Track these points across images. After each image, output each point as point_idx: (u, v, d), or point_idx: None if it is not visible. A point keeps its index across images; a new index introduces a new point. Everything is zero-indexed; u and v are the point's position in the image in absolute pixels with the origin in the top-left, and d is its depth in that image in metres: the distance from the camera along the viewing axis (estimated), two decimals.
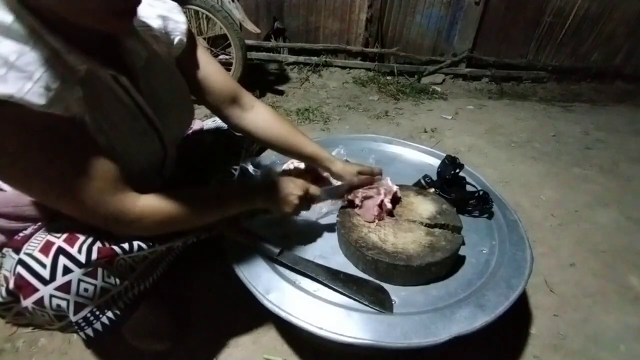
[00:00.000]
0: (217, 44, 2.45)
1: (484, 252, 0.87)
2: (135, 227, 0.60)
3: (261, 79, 2.79)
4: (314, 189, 0.81)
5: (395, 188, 0.91)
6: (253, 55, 2.94)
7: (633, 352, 0.99)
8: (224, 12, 2.09)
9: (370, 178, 0.92)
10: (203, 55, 0.79)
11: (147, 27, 0.67)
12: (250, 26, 2.23)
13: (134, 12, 0.52)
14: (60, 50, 0.49)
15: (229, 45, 2.20)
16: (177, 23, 0.72)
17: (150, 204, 0.60)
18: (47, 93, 0.46)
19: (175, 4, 0.73)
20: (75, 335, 0.92)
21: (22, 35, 0.45)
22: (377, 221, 0.86)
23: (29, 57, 0.45)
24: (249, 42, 2.76)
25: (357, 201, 0.88)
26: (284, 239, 0.87)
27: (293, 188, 0.77)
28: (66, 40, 0.50)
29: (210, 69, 0.79)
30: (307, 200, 0.80)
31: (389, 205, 0.87)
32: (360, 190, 0.89)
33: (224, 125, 1.01)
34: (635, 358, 0.98)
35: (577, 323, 1.05)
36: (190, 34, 0.75)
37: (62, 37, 0.49)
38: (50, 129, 0.48)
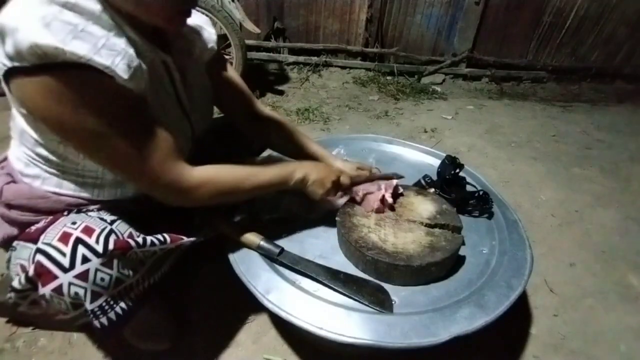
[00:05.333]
0: (217, 44, 2.45)
1: (484, 252, 0.87)
2: (192, 196, 0.66)
3: (261, 79, 2.79)
4: (345, 177, 0.86)
5: (395, 182, 0.92)
6: (253, 55, 2.94)
7: (633, 352, 0.99)
8: (224, 12, 2.08)
9: (372, 175, 0.96)
10: (225, 64, 0.90)
11: (191, 33, 0.78)
12: (250, 26, 2.23)
13: (190, 13, 0.63)
14: (134, 38, 0.59)
15: (229, 45, 2.20)
16: (210, 33, 0.82)
17: (206, 174, 0.68)
18: (128, 69, 0.55)
19: (207, 18, 0.85)
20: (75, 335, 0.92)
21: (107, 23, 0.54)
22: (376, 216, 0.87)
23: (114, 40, 0.54)
24: (249, 42, 2.75)
25: (358, 198, 0.90)
26: (284, 239, 0.87)
27: (330, 173, 0.83)
28: (137, 31, 0.59)
29: (231, 76, 0.90)
30: (336, 188, 0.85)
31: (390, 200, 0.88)
32: (361, 187, 0.91)
33: (224, 125, 1.02)
34: (635, 358, 0.98)
35: (577, 323, 1.05)
36: (218, 44, 0.84)
37: (134, 29, 0.59)
38: (128, 99, 0.57)
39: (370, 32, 2.89)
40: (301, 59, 2.98)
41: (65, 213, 0.67)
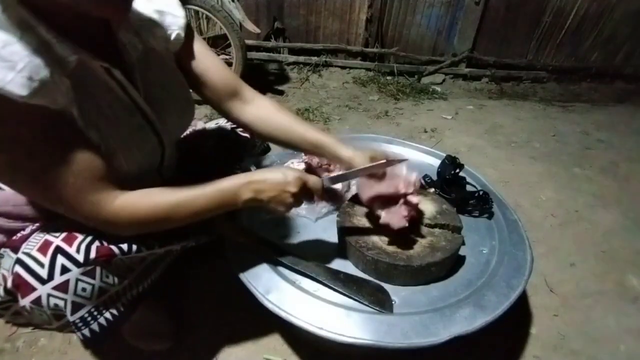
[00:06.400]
0: (217, 44, 2.45)
1: (484, 252, 0.87)
2: (112, 227, 0.58)
3: (261, 79, 2.79)
4: (314, 182, 0.70)
5: (414, 176, 0.77)
6: (253, 55, 2.94)
7: (633, 352, 0.99)
8: (224, 12, 2.09)
9: (383, 163, 0.76)
10: (202, 49, 0.76)
11: (144, 21, 0.66)
12: (250, 26, 2.23)
13: None
14: (50, 42, 0.48)
15: (229, 45, 2.20)
16: (176, 17, 0.70)
17: (127, 203, 0.57)
18: (30, 84, 0.45)
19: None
20: (75, 335, 0.92)
21: (10, 26, 0.45)
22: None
23: (15, 48, 0.44)
24: (249, 42, 2.75)
25: (379, 212, 0.78)
26: (284, 239, 0.87)
27: (286, 185, 0.66)
28: (58, 31, 0.49)
29: (210, 63, 0.76)
30: (305, 195, 0.70)
31: (415, 200, 0.76)
32: (383, 212, 0.77)
33: (226, 127, 1.01)
34: (635, 358, 0.98)
35: (577, 323, 1.05)
36: (189, 29, 0.73)
37: (54, 28, 0.49)
38: (32, 122, 0.47)
39: (370, 32, 2.88)
40: (301, 59, 2.98)
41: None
